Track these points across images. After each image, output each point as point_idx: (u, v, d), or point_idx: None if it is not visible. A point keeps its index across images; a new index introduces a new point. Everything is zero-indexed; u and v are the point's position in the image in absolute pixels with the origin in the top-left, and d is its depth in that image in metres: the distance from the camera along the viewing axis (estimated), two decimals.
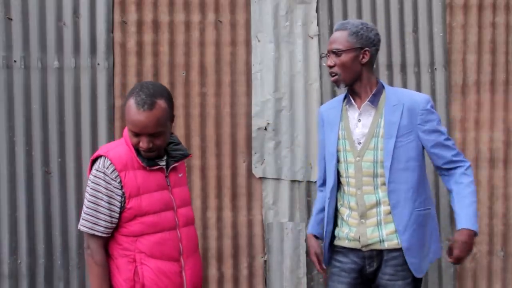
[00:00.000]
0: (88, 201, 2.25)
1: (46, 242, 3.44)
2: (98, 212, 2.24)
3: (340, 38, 2.54)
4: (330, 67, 2.57)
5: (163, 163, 2.36)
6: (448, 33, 3.65)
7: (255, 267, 3.58)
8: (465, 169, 2.56)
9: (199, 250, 2.50)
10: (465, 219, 2.47)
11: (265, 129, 3.56)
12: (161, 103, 2.21)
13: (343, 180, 2.63)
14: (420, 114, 2.52)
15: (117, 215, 2.26)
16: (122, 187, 2.24)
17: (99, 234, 2.25)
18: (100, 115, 3.48)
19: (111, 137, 3.47)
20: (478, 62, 3.65)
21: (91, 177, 2.27)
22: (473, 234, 2.48)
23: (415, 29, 3.64)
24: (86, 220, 2.25)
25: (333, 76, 2.57)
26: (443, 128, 2.57)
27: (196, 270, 2.40)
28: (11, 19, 3.44)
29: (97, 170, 2.25)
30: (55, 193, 3.44)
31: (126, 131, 2.34)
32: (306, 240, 2.82)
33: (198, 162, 3.53)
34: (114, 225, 2.27)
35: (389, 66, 3.61)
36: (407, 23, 3.65)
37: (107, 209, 2.24)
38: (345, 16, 3.62)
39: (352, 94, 2.62)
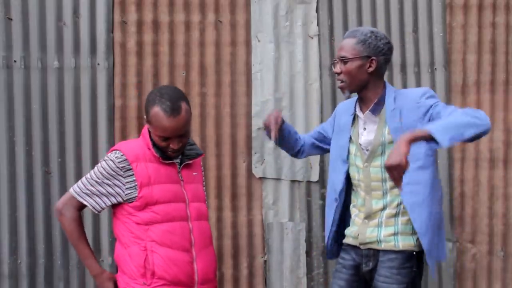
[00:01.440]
0: (90, 174, 2.44)
1: (46, 242, 3.44)
2: (93, 187, 2.41)
3: (348, 46, 2.54)
4: (337, 74, 2.58)
5: (177, 160, 2.50)
6: (448, 33, 3.65)
7: (255, 267, 3.58)
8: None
9: (213, 246, 2.59)
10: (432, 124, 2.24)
11: None
12: (185, 105, 2.40)
13: (355, 182, 2.65)
14: (417, 108, 2.50)
15: (107, 200, 2.41)
16: (132, 175, 2.38)
17: (86, 203, 2.42)
18: (100, 115, 3.48)
19: (111, 137, 3.47)
20: (478, 62, 3.65)
21: (101, 160, 2.45)
22: (422, 135, 2.21)
23: (415, 29, 3.65)
24: (78, 187, 2.44)
25: (340, 83, 2.59)
26: (444, 104, 2.46)
27: (209, 263, 2.50)
28: (11, 19, 3.43)
29: (108, 157, 2.42)
30: (55, 193, 3.44)
31: (145, 131, 2.48)
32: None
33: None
34: (104, 205, 2.42)
35: (389, 66, 3.61)
36: (407, 23, 3.64)
37: (100, 186, 2.40)
38: (345, 16, 3.62)
39: (360, 101, 2.64)
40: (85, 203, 2.42)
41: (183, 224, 2.44)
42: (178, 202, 2.45)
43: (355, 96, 2.70)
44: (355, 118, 2.66)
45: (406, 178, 2.31)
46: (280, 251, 3.58)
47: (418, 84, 3.63)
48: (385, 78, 3.59)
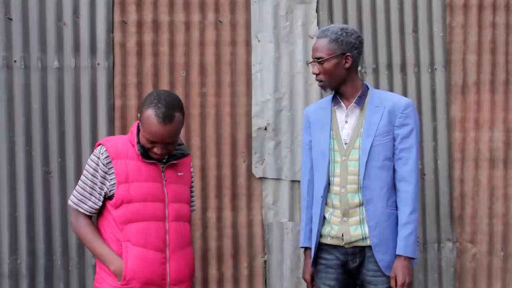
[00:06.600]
0: (80, 180, 2.51)
1: (46, 242, 3.43)
2: (85, 191, 2.48)
3: (321, 46, 2.63)
4: (316, 74, 2.66)
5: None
6: (448, 33, 3.65)
7: (255, 267, 3.58)
8: (412, 189, 2.59)
9: (191, 247, 2.60)
10: (404, 247, 2.56)
11: (265, 129, 3.57)
12: (179, 115, 2.39)
13: (331, 179, 2.69)
14: (398, 117, 2.60)
15: (100, 197, 2.46)
16: (113, 173, 2.43)
17: (82, 211, 2.49)
18: (100, 115, 3.48)
19: None
20: (478, 62, 3.65)
21: (89, 160, 2.51)
22: (410, 261, 2.58)
23: (415, 29, 3.65)
24: (74, 196, 2.52)
25: (320, 82, 2.67)
26: (413, 138, 2.60)
27: (184, 264, 2.51)
28: (11, 19, 3.43)
29: (93, 155, 2.49)
30: (55, 193, 3.44)
31: (134, 128, 2.51)
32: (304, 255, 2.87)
33: (198, 162, 3.53)
34: (97, 206, 2.49)
35: (389, 66, 3.61)
36: (407, 23, 3.65)
37: (91, 188, 2.46)
38: (345, 16, 3.62)
39: (339, 96, 2.71)
40: (82, 211, 2.48)
41: (159, 224, 2.45)
42: (156, 201, 2.46)
43: (324, 97, 2.82)
44: (331, 113, 2.72)
45: (367, 173, 2.57)
46: (280, 251, 3.58)
47: (418, 84, 3.63)
48: (385, 78, 3.62)
